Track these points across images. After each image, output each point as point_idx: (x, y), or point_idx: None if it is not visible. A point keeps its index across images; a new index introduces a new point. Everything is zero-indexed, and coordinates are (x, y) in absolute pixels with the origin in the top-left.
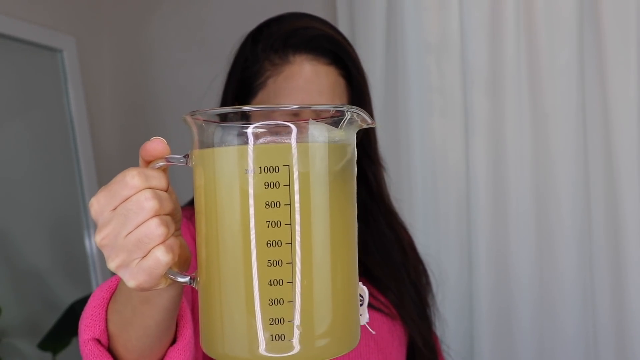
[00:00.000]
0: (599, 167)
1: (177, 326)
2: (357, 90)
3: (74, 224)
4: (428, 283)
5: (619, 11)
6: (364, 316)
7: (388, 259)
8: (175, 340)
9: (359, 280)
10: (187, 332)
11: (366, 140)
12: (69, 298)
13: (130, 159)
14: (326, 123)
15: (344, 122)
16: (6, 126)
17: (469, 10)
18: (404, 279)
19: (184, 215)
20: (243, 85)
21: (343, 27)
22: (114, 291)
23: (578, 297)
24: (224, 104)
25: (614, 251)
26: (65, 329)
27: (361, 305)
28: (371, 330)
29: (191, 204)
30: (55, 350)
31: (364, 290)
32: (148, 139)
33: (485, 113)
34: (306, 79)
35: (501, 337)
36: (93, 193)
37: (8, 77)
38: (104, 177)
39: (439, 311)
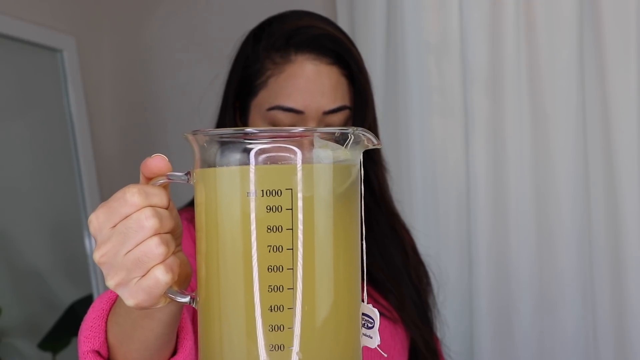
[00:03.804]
0: (599, 167)
1: (177, 337)
2: (359, 90)
3: (74, 224)
4: (429, 284)
5: (619, 11)
6: (375, 339)
7: (389, 262)
8: (176, 351)
9: (369, 303)
10: (187, 344)
11: None
12: (69, 298)
13: (131, 159)
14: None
15: (350, 142)
16: (6, 126)
17: (469, 10)
18: (406, 281)
19: (184, 217)
20: (244, 84)
21: (343, 27)
22: (114, 302)
23: (578, 296)
24: (224, 103)
25: (614, 251)
26: (65, 329)
27: (372, 328)
28: (383, 354)
29: (192, 204)
30: (55, 350)
31: (375, 312)
32: (148, 139)
33: (485, 113)
34: (308, 79)
35: (501, 337)
36: (93, 193)
37: (8, 77)
38: (104, 178)
39: (439, 313)
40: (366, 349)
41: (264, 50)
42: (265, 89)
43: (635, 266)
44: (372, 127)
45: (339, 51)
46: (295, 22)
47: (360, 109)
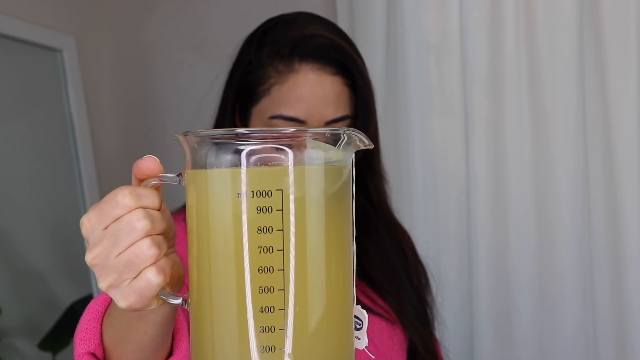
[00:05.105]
0: (599, 167)
1: (173, 339)
2: (362, 100)
3: (74, 224)
4: (427, 284)
5: (619, 11)
6: (363, 340)
7: (388, 264)
8: (172, 353)
9: (367, 303)
10: (183, 346)
11: (369, 151)
12: (69, 298)
13: (130, 159)
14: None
15: (342, 142)
16: (6, 126)
17: (469, 10)
18: (404, 282)
19: (182, 219)
20: (245, 88)
21: (343, 27)
22: (109, 304)
23: (578, 297)
24: (224, 105)
25: (614, 251)
26: (65, 329)
27: (360, 329)
28: (371, 355)
29: None
30: (55, 350)
31: (364, 314)
32: (148, 139)
33: (485, 113)
34: (311, 89)
35: (501, 337)
36: (93, 193)
37: (8, 77)
38: (104, 178)
39: (439, 313)
40: (359, 350)
41: (267, 57)
42: (267, 97)
43: (635, 266)
44: (374, 136)
45: (344, 61)
46: (300, 30)
47: (362, 119)
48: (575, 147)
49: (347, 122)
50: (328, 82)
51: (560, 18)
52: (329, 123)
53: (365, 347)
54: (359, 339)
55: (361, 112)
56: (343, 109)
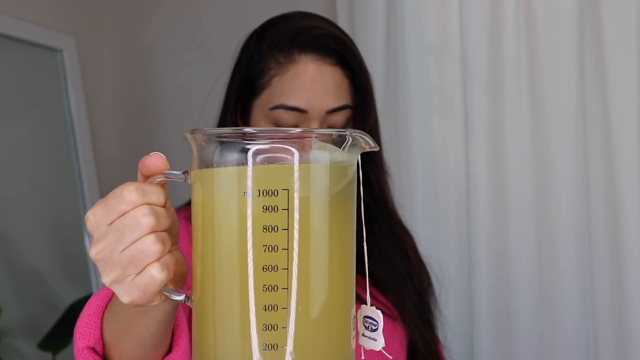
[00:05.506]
0: (599, 167)
1: (173, 335)
2: (361, 91)
3: (74, 224)
4: (430, 285)
5: (619, 11)
6: (380, 341)
7: (390, 263)
8: (171, 350)
9: (372, 305)
10: (182, 342)
11: None
12: (69, 298)
13: (131, 159)
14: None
15: (347, 144)
16: (6, 126)
17: (469, 10)
18: (406, 281)
19: (183, 216)
20: (247, 83)
21: (343, 27)
22: (110, 299)
23: (578, 297)
24: (226, 103)
25: (614, 251)
26: (65, 329)
27: (375, 330)
28: (388, 356)
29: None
30: (55, 350)
31: (379, 314)
32: (149, 139)
33: (485, 113)
34: (312, 79)
35: (501, 337)
36: (93, 193)
37: (8, 77)
38: (104, 178)
39: (441, 314)
40: (375, 351)
41: (267, 50)
42: (268, 89)
43: (635, 266)
44: (374, 129)
45: (342, 52)
46: (299, 23)
47: (362, 110)
48: (575, 147)
49: (348, 111)
50: (328, 72)
51: (560, 18)
52: (330, 112)
53: (383, 348)
54: (376, 340)
55: (361, 103)
56: (344, 98)
